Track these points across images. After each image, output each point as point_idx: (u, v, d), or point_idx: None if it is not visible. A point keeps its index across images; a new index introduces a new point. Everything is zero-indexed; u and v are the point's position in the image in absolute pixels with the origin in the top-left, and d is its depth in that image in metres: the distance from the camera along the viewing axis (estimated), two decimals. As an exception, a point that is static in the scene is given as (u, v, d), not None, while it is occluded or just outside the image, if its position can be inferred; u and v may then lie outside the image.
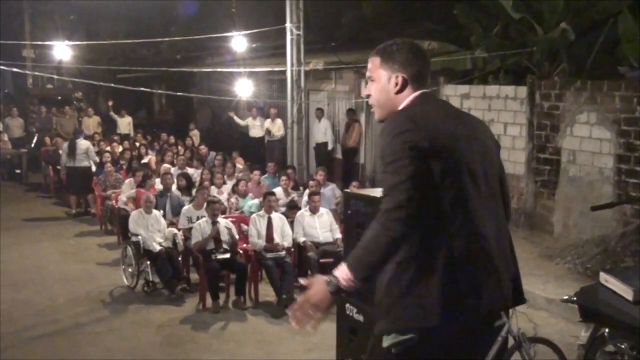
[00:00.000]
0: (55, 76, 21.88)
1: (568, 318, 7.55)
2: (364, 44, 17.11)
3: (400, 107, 3.03)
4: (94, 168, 14.31)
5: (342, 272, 2.78)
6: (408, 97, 3.06)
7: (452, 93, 13.31)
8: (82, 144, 14.15)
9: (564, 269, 9.44)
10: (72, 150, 13.88)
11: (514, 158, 11.94)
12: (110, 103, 20.77)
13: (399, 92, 3.06)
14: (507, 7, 11.65)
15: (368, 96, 3.19)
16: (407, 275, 2.80)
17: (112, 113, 20.45)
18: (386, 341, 2.92)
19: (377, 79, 3.12)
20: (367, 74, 3.17)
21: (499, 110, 12.21)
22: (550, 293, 8.39)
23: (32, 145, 19.38)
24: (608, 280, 5.11)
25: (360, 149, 15.91)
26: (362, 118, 15.83)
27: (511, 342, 5.58)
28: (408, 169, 2.73)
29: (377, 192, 5.92)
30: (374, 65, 3.14)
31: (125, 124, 20.31)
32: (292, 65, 14.87)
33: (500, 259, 2.94)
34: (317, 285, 2.84)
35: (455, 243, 2.80)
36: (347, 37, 18.48)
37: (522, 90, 11.76)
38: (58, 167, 15.35)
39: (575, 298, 5.35)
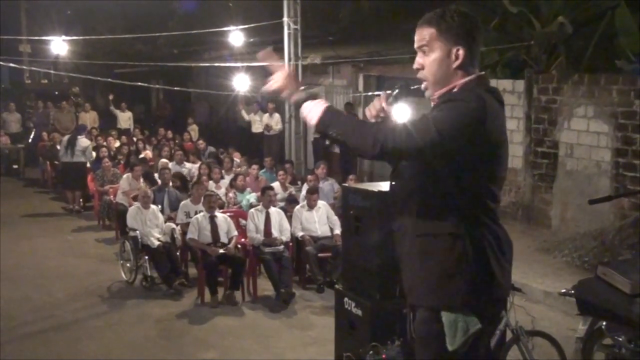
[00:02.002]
0: (52, 71, 21.82)
1: (566, 311, 7.57)
2: (362, 38, 17.16)
3: (463, 82, 2.89)
4: (89, 164, 14.30)
5: (315, 111, 2.85)
6: (469, 76, 2.90)
7: (450, 87, 13.28)
8: (83, 141, 14.10)
9: (561, 262, 9.45)
10: (71, 145, 13.84)
11: (512, 152, 11.93)
12: (110, 97, 20.70)
13: (459, 66, 2.88)
14: (505, 1, 11.63)
15: (418, 69, 2.97)
16: (468, 251, 2.82)
17: (112, 107, 20.40)
18: (455, 336, 2.87)
19: (432, 51, 2.89)
20: (419, 44, 2.93)
21: (497, 104, 12.19)
22: (548, 286, 8.41)
23: (30, 140, 19.35)
24: (605, 273, 5.12)
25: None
26: (360, 112, 15.82)
27: (509, 335, 5.61)
28: (461, 127, 2.70)
29: (375, 186, 5.93)
30: (428, 36, 2.89)
31: (125, 118, 20.27)
32: (289, 59, 14.84)
33: (507, 245, 3.04)
34: (294, 89, 2.99)
35: (497, 229, 2.91)
36: (345, 32, 18.44)
37: (520, 84, 11.76)
38: (56, 162, 15.31)
39: (572, 291, 5.35)
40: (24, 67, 21.91)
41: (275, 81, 3.02)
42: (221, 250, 8.64)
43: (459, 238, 2.83)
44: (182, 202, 9.96)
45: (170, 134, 17.73)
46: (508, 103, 11.95)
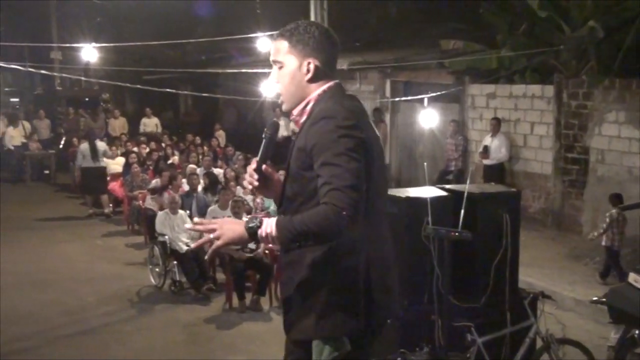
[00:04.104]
0: (82, 78, 22.07)
1: (597, 319, 7.47)
2: (389, 43, 17.15)
3: (317, 94, 2.88)
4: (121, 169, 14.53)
5: (269, 225, 2.67)
6: (322, 86, 2.90)
7: (478, 92, 13.24)
8: (101, 145, 14.49)
9: (592, 269, 9.34)
10: (94, 152, 14.08)
11: (541, 157, 11.85)
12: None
13: (311, 79, 2.89)
14: (534, 5, 11.56)
15: (274, 84, 2.98)
16: (333, 279, 2.78)
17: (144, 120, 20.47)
18: (321, 354, 2.86)
19: (284, 65, 2.91)
20: (272, 58, 2.95)
21: (526, 110, 12.12)
22: (578, 294, 8.31)
23: (60, 146, 19.58)
24: (637, 280, 5.06)
25: (385, 149, 15.86)
26: (387, 118, 15.79)
27: (539, 343, 5.55)
28: (360, 168, 2.64)
29: (403, 192, 5.91)
30: (281, 50, 2.91)
31: (152, 124, 20.44)
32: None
33: (392, 265, 3.01)
34: (236, 225, 2.76)
35: (369, 247, 2.82)
36: (372, 37, 18.46)
37: (549, 89, 11.67)
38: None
39: (604, 299, 5.30)
40: (55, 74, 22.19)
41: (226, 232, 2.76)
42: (248, 255, 8.65)
43: (342, 263, 2.78)
44: (210, 208, 10.01)
45: (198, 140, 17.82)
46: (537, 108, 11.87)
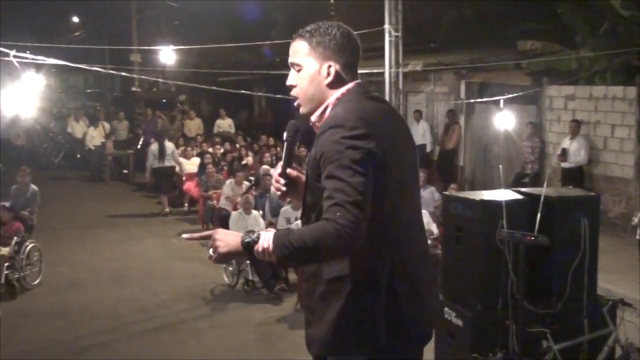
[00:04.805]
0: (160, 80, 22.63)
1: (680, 329, 7.17)
2: (464, 44, 16.92)
3: (335, 98, 2.74)
4: (177, 168, 15.02)
5: (267, 240, 2.50)
6: (341, 89, 2.75)
7: (556, 94, 12.93)
8: (169, 146, 14.95)
9: (676, 277, 8.98)
10: (162, 152, 14.49)
11: (622, 161, 11.48)
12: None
13: (330, 84, 2.74)
14: (616, 4, 11.23)
15: (291, 87, 2.83)
16: (350, 294, 2.63)
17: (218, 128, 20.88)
18: None
19: (303, 67, 2.75)
20: (291, 60, 2.79)
21: (606, 112, 11.77)
22: (661, 302, 8.00)
23: (139, 146, 20.13)
24: None
25: (459, 151, 15.67)
26: (462, 120, 15.60)
27: (618, 352, 5.38)
28: (366, 182, 2.47)
29: (477, 195, 5.83)
30: (300, 51, 2.76)
31: (226, 125, 20.77)
32: (390, 67, 14.79)
33: (426, 275, 2.83)
34: (230, 239, 2.59)
35: (391, 259, 2.65)
36: (447, 38, 18.26)
37: (632, 91, 11.31)
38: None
39: (689, 308, 5.09)
40: (135, 76, 22.84)
41: (220, 246, 2.61)
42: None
43: (359, 278, 2.62)
44: (283, 208, 10.09)
45: (271, 141, 17.99)
46: (619, 110, 11.52)
